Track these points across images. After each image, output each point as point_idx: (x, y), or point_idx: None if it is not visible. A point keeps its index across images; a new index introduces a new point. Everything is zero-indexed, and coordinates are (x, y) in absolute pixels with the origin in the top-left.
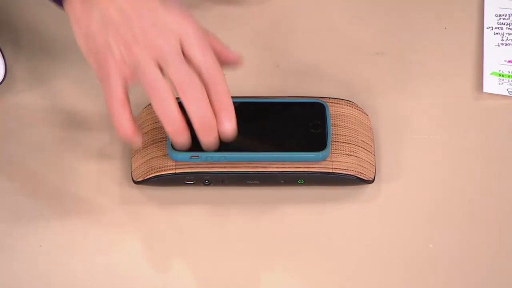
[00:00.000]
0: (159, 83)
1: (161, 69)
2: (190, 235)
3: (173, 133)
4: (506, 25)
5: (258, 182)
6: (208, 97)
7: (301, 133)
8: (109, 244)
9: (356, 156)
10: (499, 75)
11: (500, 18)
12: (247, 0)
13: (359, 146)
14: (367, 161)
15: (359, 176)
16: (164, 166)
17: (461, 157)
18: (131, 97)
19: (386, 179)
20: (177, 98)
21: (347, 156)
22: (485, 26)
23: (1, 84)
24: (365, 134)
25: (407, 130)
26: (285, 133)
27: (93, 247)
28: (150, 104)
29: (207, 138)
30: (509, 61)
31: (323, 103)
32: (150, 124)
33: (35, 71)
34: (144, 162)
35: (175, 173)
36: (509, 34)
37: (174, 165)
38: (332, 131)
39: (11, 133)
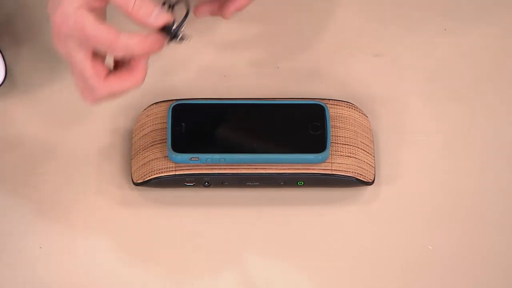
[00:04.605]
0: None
1: None
2: (189, 237)
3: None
4: None
5: (257, 183)
6: None
7: (301, 134)
8: (109, 245)
9: (356, 158)
10: None
11: None
12: None
13: (358, 147)
14: (366, 162)
15: (359, 178)
16: (164, 168)
17: (460, 159)
18: (130, 99)
19: (385, 181)
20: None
21: (346, 157)
22: None
23: (1, 86)
24: (365, 136)
25: (407, 131)
26: (285, 134)
27: (93, 249)
28: (149, 106)
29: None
30: None
31: (323, 104)
32: (150, 126)
33: (35, 72)
34: (144, 164)
35: (175, 174)
36: None
37: (174, 167)
38: (331, 132)
39: (11, 134)
